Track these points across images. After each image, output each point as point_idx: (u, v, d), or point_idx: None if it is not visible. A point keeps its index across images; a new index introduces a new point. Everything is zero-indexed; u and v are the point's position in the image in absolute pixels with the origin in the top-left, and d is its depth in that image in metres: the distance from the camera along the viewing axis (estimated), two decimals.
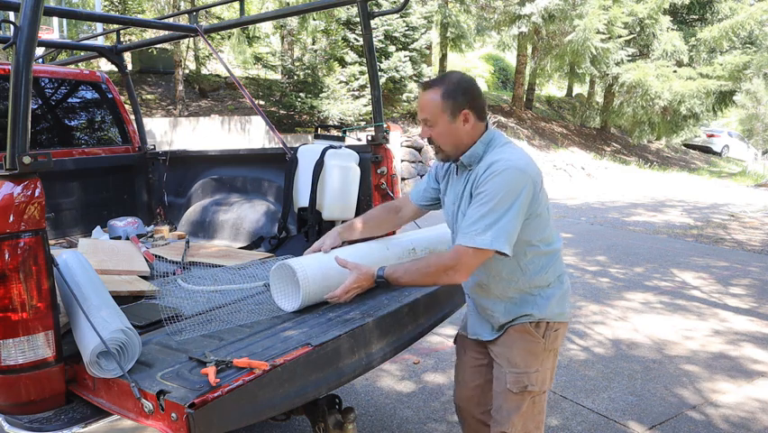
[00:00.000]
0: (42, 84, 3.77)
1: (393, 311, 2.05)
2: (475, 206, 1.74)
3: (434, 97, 1.80)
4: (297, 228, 3.15)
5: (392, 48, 14.85)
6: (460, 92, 1.80)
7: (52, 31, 12.48)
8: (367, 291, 2.32)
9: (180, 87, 13.89)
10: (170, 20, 4.68)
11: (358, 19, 5.58)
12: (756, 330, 4.46)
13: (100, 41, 6.68)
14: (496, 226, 1.69)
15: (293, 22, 14.36)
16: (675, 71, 18.04)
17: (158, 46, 11.15)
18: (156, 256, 2.91)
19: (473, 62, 26.29)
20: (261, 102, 14.70)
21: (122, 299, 2.15)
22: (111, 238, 3.44)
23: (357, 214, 3.08)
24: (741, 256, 7.10)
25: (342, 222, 3.10)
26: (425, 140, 1.88)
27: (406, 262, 1.97)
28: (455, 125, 1.80)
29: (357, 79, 14.51)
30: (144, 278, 2.56)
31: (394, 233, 3.00)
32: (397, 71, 14.62)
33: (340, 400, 2.06)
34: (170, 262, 2.86)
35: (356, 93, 14.51)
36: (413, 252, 2.41)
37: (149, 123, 11.95)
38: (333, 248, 2.21)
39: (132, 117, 4.23)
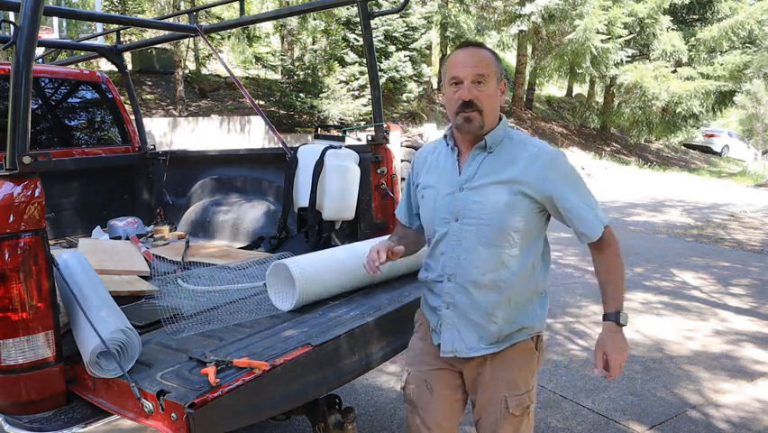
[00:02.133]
0: (42, 84, 3.77)
1: (393, 311, 2.05)
2: (572, 193, 1.62)
3: (489, 54, 1.64)
4: (297, 228, 3.15)
5: (392, 48, 14.86)
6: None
7: (52, 31, 12.48)
8: (367, 291, 2.31)
9: (180, 88, 13.89)
10: (170, 20, 4.68)
11: (358, 19, 5.58)
12: (757, 330, 4.46)
13: (100, 41, 6.68)
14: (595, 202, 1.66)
15: (293, 22, 14.36)
16: (675, 71, 18.04)
17: (158, 46, 11.13)
18: (155, 256, 2.91)
19: None
20: (261, 102, 14.70)
21: (122, 299, 2.15)
22: (111, 238, 3.44)
23: (357, 214, 3.09)
24: (741, 256, 7.10)
25: (343, 222, 3.11)
26: (458, 104, 1.61)
27: (610, 285, 1.68)
28: (497, 92, 1.65)
29: (357, 79, 14.51)
30: (144, 278, 2.56)
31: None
32: (397, 71, 14.64)
33: (340, 400, 2.06)
34: (170, 262, 2.86)
35: (356, 93, 14.51)
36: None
37: (148, 123, 11.95)
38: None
39: (132, 117, 4.23)
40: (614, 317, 1.65)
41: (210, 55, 15.95)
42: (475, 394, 1.76)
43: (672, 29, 18.35)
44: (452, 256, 1.67)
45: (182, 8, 12.76)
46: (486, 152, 1.66)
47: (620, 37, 17.27)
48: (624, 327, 1.65)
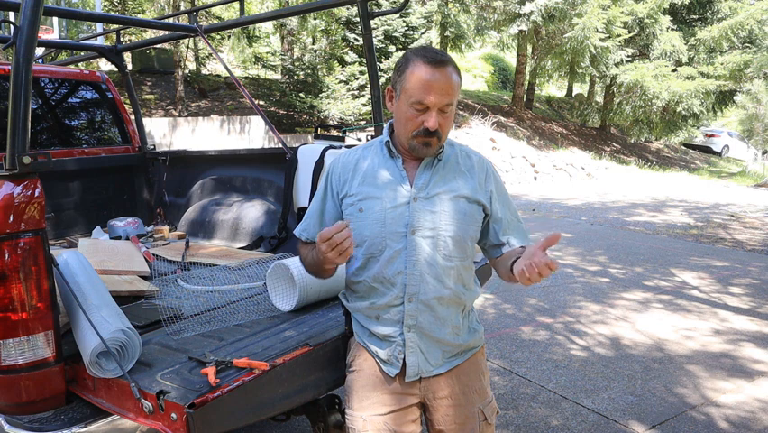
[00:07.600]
0: (42, 84, 3.77)
1: None
2: (505, 203, 1.67)
3: (457, 77, 1.53)
4: None
5: (392, 48, 14.87)
6: None
7: (52, 31, 12.49)
8: None
9: (180, 88, 13.89)
10: (170, 20, 4.68)
11: (358, 19, 5.58)
12: (756, 330, 4.46)
13: (100, 41, 6.69)
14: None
15: (293, 22, 14.37)
16: (675, 70, 18.05)
17: (157, 46, 11.14)
18: (156, 256, 2.91)
19: (473, 62, 26.28)
20: (261, 102, 14.70)
21: (122, 299, 2.15)
22: (111, 238, 3.44)
23: None
24: (741, 256, 7.10)
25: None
26: (420, 129, 1.51)
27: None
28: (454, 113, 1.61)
29: (357, 79, 14.52)
30: (144, 278, 2.56)
31: None
32: None
33: (340, 400, 2.06)
34: (170, 262, 2.86)
35: (356, 93, 14.52)
36: None
37: (148, 123, 11.95)
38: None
39: (132, 117, 4.23)
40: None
41: (210, 55, 15.95)
42: (447, 417, 1.63)
43: (672, 29, 18.36)
44: (413, 273, 1.54)
45: (182, 8, 12.77)
46: (436, 160, 1.60)
47: (619, 36, 17.28)
48: None
